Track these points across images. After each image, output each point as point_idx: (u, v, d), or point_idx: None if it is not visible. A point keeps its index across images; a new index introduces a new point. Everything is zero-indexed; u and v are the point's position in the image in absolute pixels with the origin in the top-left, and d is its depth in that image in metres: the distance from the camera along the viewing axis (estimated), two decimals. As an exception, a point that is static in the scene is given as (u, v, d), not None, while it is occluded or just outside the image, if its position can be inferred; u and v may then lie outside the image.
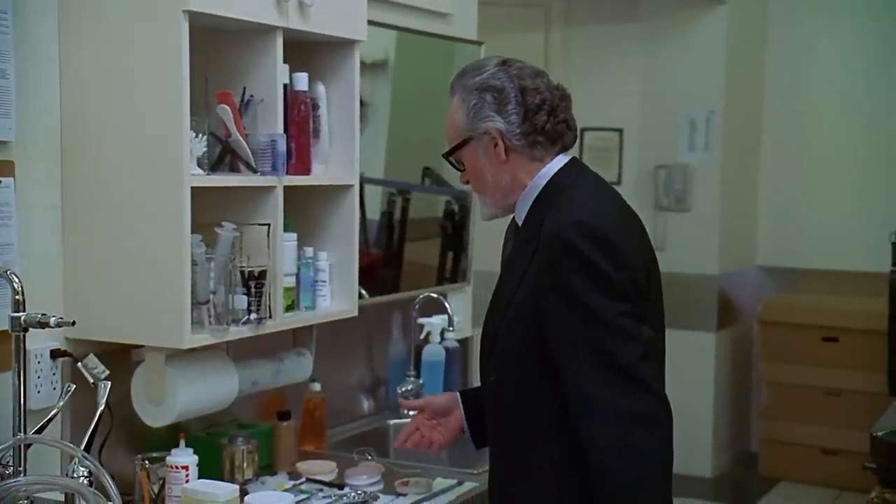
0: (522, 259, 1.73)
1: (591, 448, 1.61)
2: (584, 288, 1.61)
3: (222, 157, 2.05)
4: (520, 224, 1.80)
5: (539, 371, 1.69)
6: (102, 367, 1.88)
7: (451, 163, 1.82)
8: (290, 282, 2.18)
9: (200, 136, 1.95)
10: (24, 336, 1.78)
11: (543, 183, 1.76)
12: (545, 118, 1.75)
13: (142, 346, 1.99)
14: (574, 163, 1.81)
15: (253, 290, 2.04)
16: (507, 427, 1.77)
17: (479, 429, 1.91)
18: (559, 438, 1.68)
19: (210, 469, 2.05)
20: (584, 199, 1.74)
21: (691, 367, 4.83)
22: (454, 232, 3.11)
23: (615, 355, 1.60)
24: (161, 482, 1.98)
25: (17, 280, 1.77)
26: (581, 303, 1.61)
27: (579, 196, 1.74)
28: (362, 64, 2.37)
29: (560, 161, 1.79)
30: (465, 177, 1.83)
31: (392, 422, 2.75)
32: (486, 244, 3.22)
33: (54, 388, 1.95)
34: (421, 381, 2.83)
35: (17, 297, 1.76)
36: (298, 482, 2.21)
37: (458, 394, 1.98)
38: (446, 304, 2.81)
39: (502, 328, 1.75)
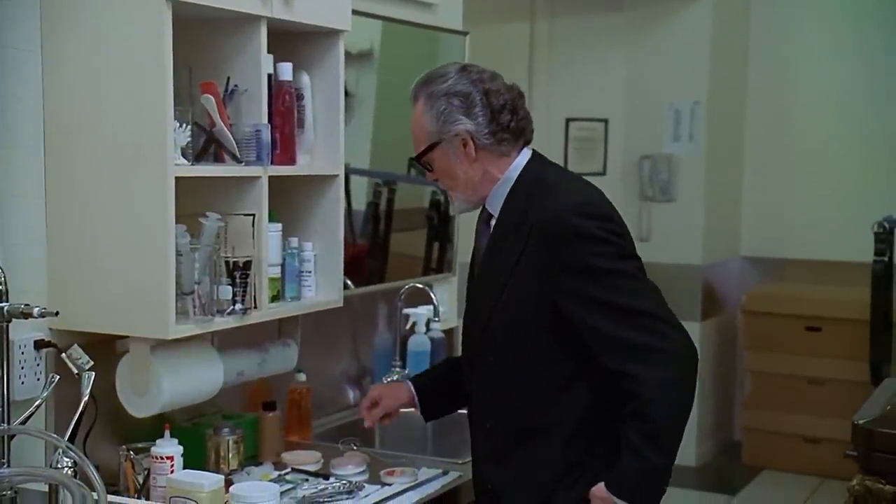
0: (510, 245, 1.88)
1: (633, 385, 1.78)
2: (598, 257, 1.80)
3: (206, 147, 2.05)
4: (494, 214, 1.94)
5: (548, 346, 1.86)
6: (86, 358, 1.88)
7: (421, 165, 1.96)
8: (275, 272, 2.18)
9: (184, 126, 1.94)
10: (7, 326, 1.77)
11: (516, 175, 1.92)
12: (509, 117, 1.90)
13: (126, 337, 1.99)
14: (537, 155, 1.97)
15: (238, 280, 2.03)
16: (509, 402, 1.91)
17: (431, 408, 2.18)
18: (565, 408, 1.87)
19: (195, 459, 2.05)
20: (569, 185, 1.92)
21: (676, 357, 4.85)
22: (440, 223, 3.11)
23: (641, 304, 1.81)
24: (146, 473, 1.98)
25: (-1, 270, 1.76)
26: (599, 269, 1.80)
27: (563, 183, 1.92)
28: (347, 54, 2.36)
29: (526, 154, 1.95)
30: (433, 176, 1.96)
31: (378, 412, 2.75)
32: (472, 236, 3.23)
33: (38, 379, 1.95)
34: (406, 372, 2.83)
35: None
36: (284, 472, 2.21)
37: (409, 383, 2.19)
38: (432, 295, 2.81)
39: (497, 312, 1.89)
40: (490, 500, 1.95)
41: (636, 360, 1.78)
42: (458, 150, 1.90)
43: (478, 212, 2.03)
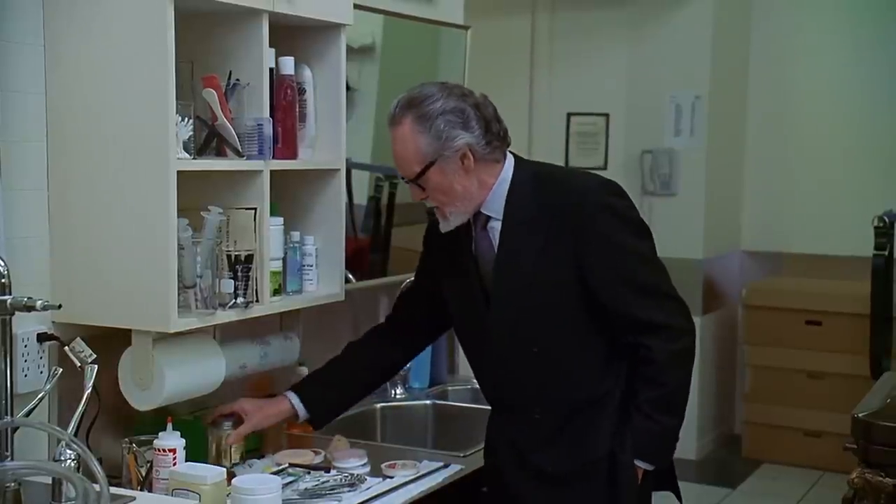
0: (528, 238, 1.95)
1: (648, 353, 1.94)
2: (624, 234, 1.95)
3: (209, 141, 2.05)
4: (495, 216, 2.00)
5: (587, 323, 1.97)
6: (89, 351, 1.89)
7: (417, 185, 1.96)
8: (277, 266, 2.18)
9: (187, 120, 1.95)
10: (10, 320, 1.78)
11: (510, 176, 1.99)
12: (497, 125, 1.98)
13: (129, 330, 1.99)
14: (517, 155, 2.05)
15: (239, 274, 2.04)
16: (558, 387, 2.01)
17: (319, 414, 2.21)
18: (613, 377, 2.00)
19: (197, 452, 2.05)
20: (576, 172, 2.10)
21: (676, 351, 4.86)
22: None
23: (659, 284, 1.98)
24: (148, 465, 1.98)
25: (2, 263, 1.76)
26: (625, 247, 1.95)
27: (568, 171, 2.13)
28: (349, 48, 2.37)
29: (510, 156, 2.02)
30: (423, 195, 1.97)
31: (379, 405, 2.76)
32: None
33: (41, 372, 1.95)
34: (408, 366, 2.84)
35: (2, 280, 1.76)
36: (286, 465, 2.22)
37: (289, 396, 2.18)
38: (433, 288, 2.81)
39: (532, 304, 1.96)
40: (551, 482, 2.01)
41: (651, 334, 1.94)
42: (456, 164, 1.93)
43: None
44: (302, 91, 2.25)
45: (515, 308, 1.98)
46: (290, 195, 2.32)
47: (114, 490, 1.74)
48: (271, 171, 2.11)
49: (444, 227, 2.01)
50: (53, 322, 1.98)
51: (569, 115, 5.34)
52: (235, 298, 2.04)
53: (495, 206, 1.99)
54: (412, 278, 2.89)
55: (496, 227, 1.99)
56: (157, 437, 1.97)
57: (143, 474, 1.99)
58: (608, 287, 1.94)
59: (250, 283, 2.06)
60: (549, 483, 2.02)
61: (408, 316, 2.29)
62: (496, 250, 2.00)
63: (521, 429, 2.04)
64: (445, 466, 2.25)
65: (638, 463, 1.98)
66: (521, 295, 1.97)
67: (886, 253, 4.58)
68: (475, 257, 2.04)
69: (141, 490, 1.95)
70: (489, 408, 2.16)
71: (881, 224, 4.58)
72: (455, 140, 1.91)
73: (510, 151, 2.03)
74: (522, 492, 2.05)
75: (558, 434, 2.01)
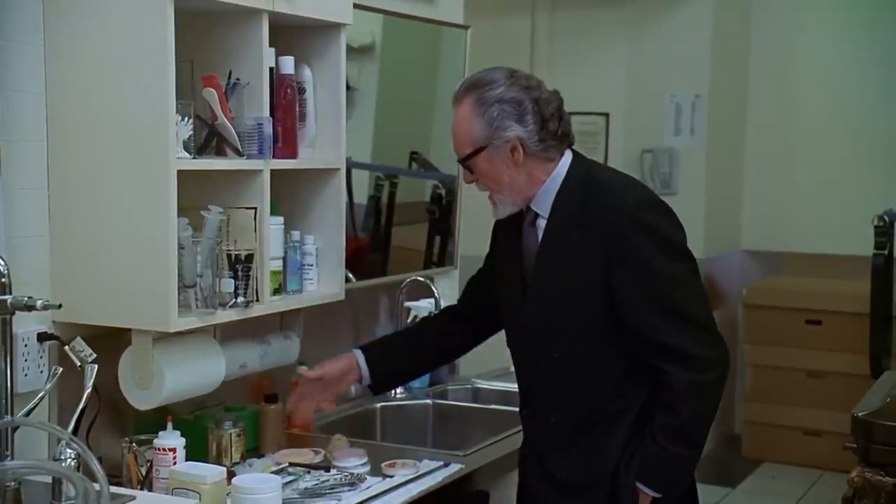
0: (570, 242, 1.94)
1: (669, 380, 1.88)
2: (656, 254, 1.88)
3: (209, 140, 2.05)
4: (542, 214, 1.98)
5: (613, 335, 1.93)
6: (89, 350, 1.89)
7: (464, 167, 1.98)
8: (277, 265, 2.19)
9: (187, 119, 1.95)
10: (10, 319, 1.78)
11: (563, 174, 1.97)
12: (556, 124, 1.95)
13: (129, 329, 2.00)
14: (577, 153, 2.02)
15: (240, 273, 2.04)
16: (577, 394, 1.98)
17: (379, 378, 2.23)
18: (632, 393, 1.95)
19: (197, 451, 2.06)
20: (627, 181, 2.00)
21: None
22: (441, 216, 3.12)
23: (691, 311, 1.91)
24: (148, 465, 1.99)
25: (2, 262, 1.76)
26: (655, 268, 1.88)
27: (620, 178, 2.00)
28: (349, 48, 2.37)
29: (569, 155, 1.99)
30: (473, 178, 1.98)
31: (379, 405, 2.76)
32: (473, 229, 3.23)
33: (41, 372, 1.96)
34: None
35: (2, 279, 1.76)
36: (286, 464, 2.22)
37: (356, 353, 2.23)
38: (433, 288, 2.82)
39: (566, 307, 1.95)
40: (559, 487, 2.01)
41: (671, 360, 1.88)
42: (506, 155, 1.92)
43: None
44: (302, 90, 2.25)
45: (546, 308, 1.97)
46: (290, 194, 2.32)
47: (114, 489, 1.74)
48: (271, 171, 2.11)
49: (495, 215, 2.03)
50: (53, 321, 1.98)
51: (569, 114, 5.34)
52: (235, 298, 2.04)
53: (544, 203, 1.97)
54: (412, 277, 2.90)
55: (542, 225, 1.99)
56: (157, 437, 1.97)
57: (143, 473, 1.99)
58: (630, 305, 1.90)
59: (250, 282, 2.06)
60: (559, 489, 2.01)
61: (472, 302, 2.27)
62: (538, 249, 1.99)
63: (541, 430, 2.05)
64: (445, 466, 2.25)
65: (640, 487, 1.95)
66: (552, 296, 1.97)
67: (886, 252, 4.58)
68: (521, 252, 2.04)
69: (141, 489, 1.96)
70: (489, 407, 2.18)
71: (881, 223, 4.58)
72: (506, 131, 1.90)
73: (572, 149, 2.00)
74: (537, 492, 2.06)
75: (570, 441, 2.00)
